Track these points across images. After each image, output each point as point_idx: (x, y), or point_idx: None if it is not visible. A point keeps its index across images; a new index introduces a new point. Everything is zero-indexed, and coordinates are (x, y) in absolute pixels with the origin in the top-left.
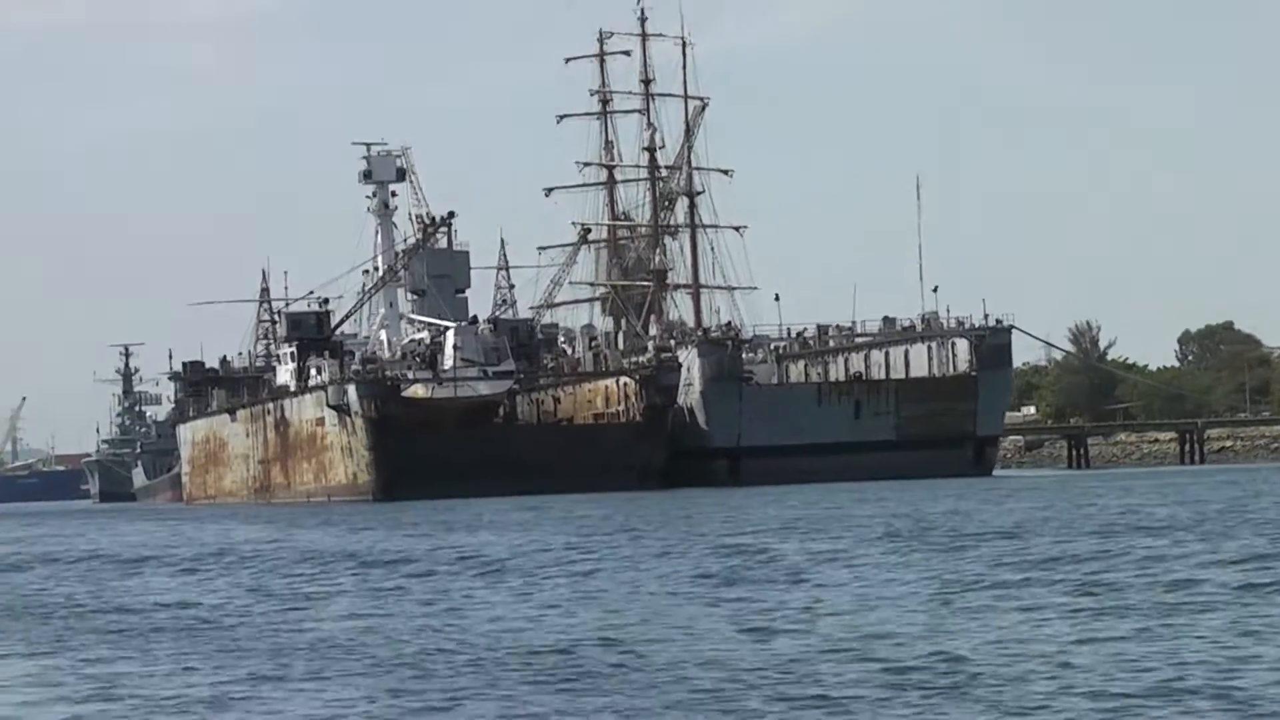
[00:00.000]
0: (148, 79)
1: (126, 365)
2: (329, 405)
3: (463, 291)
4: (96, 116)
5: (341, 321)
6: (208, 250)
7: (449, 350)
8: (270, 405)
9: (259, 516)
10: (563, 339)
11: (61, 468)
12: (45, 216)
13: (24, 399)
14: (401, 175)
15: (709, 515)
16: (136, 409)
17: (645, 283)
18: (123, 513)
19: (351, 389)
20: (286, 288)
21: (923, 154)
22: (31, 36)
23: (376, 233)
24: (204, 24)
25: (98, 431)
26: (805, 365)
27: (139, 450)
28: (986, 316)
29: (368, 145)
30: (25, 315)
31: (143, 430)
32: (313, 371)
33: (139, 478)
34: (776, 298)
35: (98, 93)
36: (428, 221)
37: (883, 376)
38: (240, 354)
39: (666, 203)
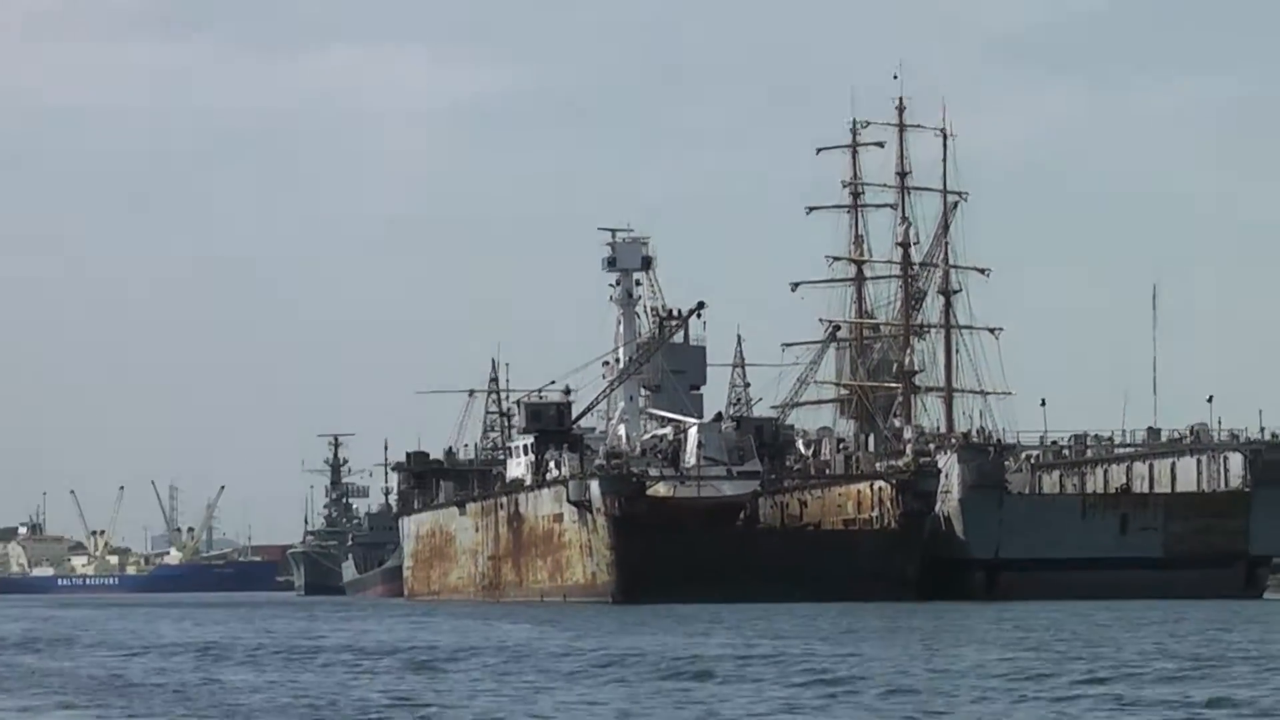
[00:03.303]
0: (367, 165)
1: (335, 456)
2: (569, 501)
3: (698, 388)
4: (326, 202)
5: (583, 414)
6: (422, 339)
7: (691, 447)
8: (504, 499)
9: (559, 619)
10: (800, 440)
11: (258, 558)
12: (250, 303)
13: (222, 488)
14: (647, 264)
15: None
16: (344, 500)
17: (894, 385)
18: (374, 607)
19: (594, 484)
20: (508, 380)
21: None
22: (241, 121)
23: (618, 323)
24: (434, 111)
25: (306, 522)
26: (1061, 475)
27: (350, 542)
28: (1263, 430)
29: (613, 231)
30: (225, 404)
31: (353, 523)
32: (551, 465)
33: (349, 571)
34: (1043, 403)
35: (317, 179)
36: (664, 314)
37: (1147, 490)
38: (465, 445)
39: (916, 301)
